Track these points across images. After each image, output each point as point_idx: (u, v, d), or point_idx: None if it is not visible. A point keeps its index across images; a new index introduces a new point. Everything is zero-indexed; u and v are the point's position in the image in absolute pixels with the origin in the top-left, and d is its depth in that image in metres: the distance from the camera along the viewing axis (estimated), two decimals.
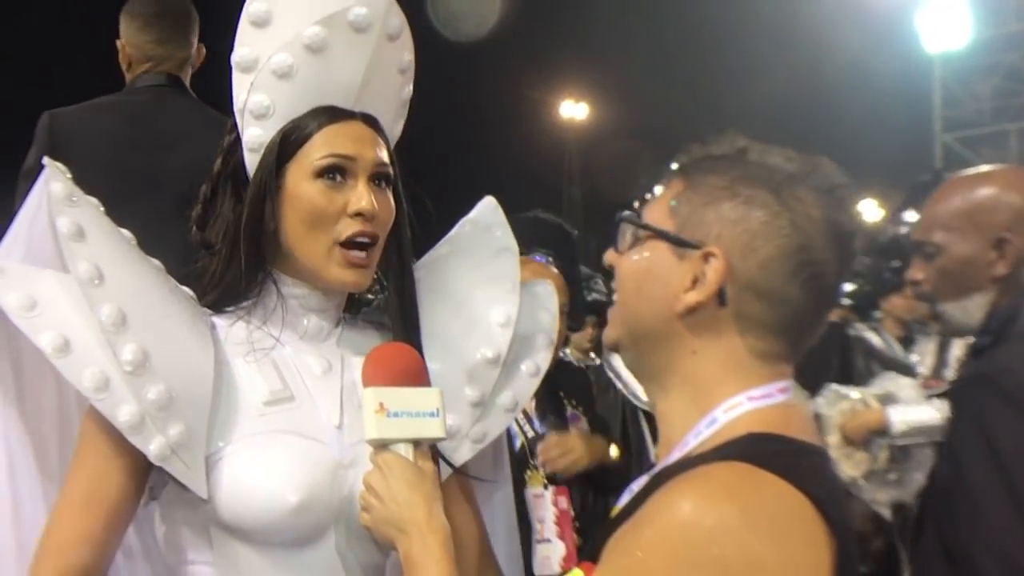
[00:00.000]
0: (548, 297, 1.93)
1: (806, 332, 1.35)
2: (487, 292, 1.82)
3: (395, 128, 1.79)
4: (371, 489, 1.53)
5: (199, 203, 1.76)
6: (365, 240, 1.64)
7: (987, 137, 17.97)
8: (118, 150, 2.93)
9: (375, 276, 1.74)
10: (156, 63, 3.13)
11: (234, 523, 1.56)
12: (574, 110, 28.85)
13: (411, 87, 1.79)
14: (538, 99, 27.86)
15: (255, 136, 1.67)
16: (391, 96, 1.76)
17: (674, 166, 1.40)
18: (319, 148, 1.64)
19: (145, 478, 1.60)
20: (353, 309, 1.83)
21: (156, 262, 1.69)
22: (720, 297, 1.30)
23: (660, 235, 1.35)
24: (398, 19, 1.70)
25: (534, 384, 1.85)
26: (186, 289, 1.71)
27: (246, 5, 1.67)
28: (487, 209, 1.94)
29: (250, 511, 1.55)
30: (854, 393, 4.17)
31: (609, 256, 1.43)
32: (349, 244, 1.63)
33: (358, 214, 1.62)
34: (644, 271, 1.36)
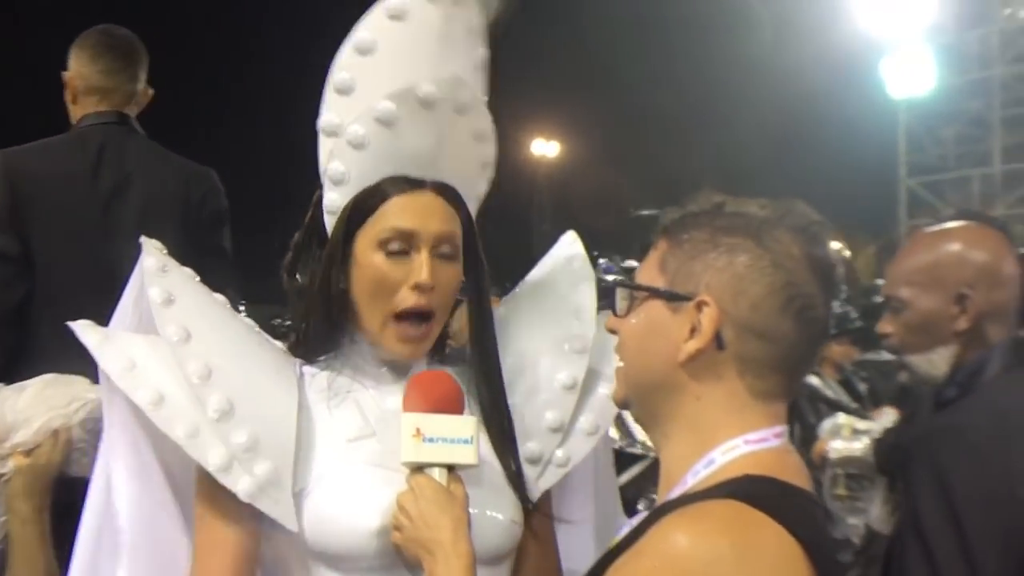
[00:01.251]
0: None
1: (802, 365, 1.43)
2: (564, 322, 1.90)
3: (477, 188, 1.83)
4: (403, 509, 1.59)
5: (290, 251, 1.84)
6: (421, 312, 1.70)
7: (951, 182, 18.28)
8: (73, 192, 2.91)
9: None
10: (102, 96, 3.08)
11: (323, 551, 1.65)
12: (545, 148, 29.03)
13: (493, 149, 1.84)
14: (509, 137, 27.98)
15: (332, 200, 1.74)
16: (467, 162, 1.80)
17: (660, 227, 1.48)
18: (384, 219, 1.69)
19: (257, 523, 1.68)
20: (440, 348, 1.89)
21: (247, 320, 1.83)
22: (718, 341, 1.36)
23: (653, 293, 1.42)
24: (468, 93, 1.75)
25: (614, 408, 1.82)
26: (277, 343, 1.83)
27: (332, 72, 1.74)
28: (566, 241, 2.02)
29: (334, 537, 1.64)
30: (841, 418, 4.32)
31: (610, 322, 1.51)
32: (404, 316, 1.70)
33: (416, 287, 1.68)
34: (644, 329, 1.43)
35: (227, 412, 1.64)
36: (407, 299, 1.69)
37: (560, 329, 1.90)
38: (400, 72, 1.71)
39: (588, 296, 1.93)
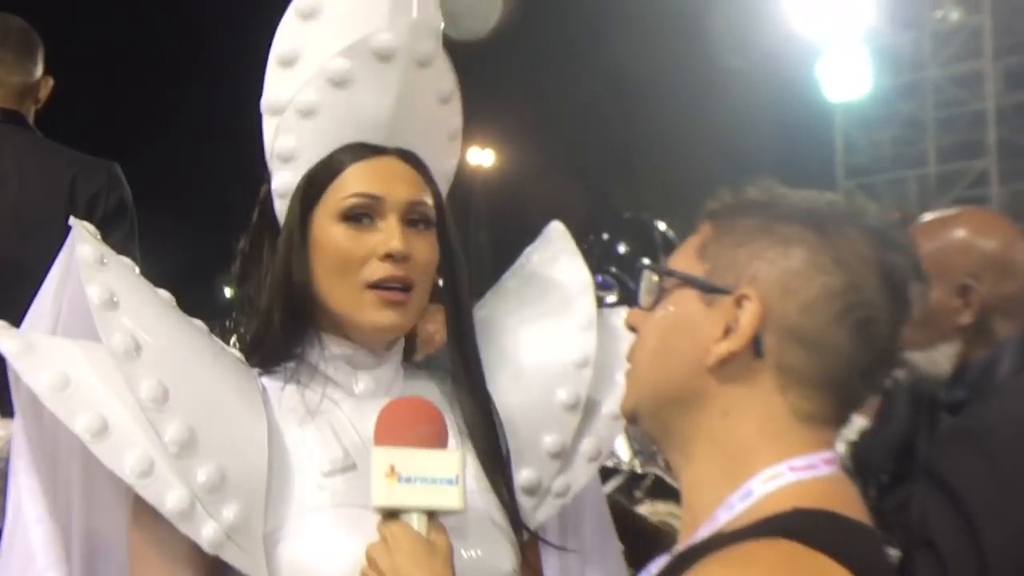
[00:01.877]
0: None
1: (857, 390, 1.17)
2: (560, 329, 1.66)
3: (445, 164, 1.64)
4: (373, 564, 1.32)
5: (237, 257, 1.62)
6: (396, 285, 1.48)
7: (887, 183, 18.49)
8: None
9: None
10: None
11: None
12: (480, 157, 28.89)
13: (460, 119, 1.64)
14: None
15: (283, 181, 1.53)
16: (433, 129, 1.61)
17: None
18: (343, 188, 1.49)
19: (211, 562, 1.42)
20: (415, 356, 1.68)
21: (198, 322, 1.56)
22: (755, 346, 1.13)
23: (687, 281, 1.19)
24: (429, 43, 1.54)
25: (618, 427, 1.70)
26: (233, 351, 1.58)
27: (273, 45, 1.55)
28: (554, 235, 1.79)
29: None
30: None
31: (631, 316, 1.27)
32: (380, 285, 1.48)
33: (388, 256, 1.46)
34: (670, 325, 1.20)
35: (188, 444, 1.37)
36: (379, 270, 1.47)
37: (556, 336, 1.66)
38: (351, 27, 1.51)
39: (587, 298, 1.69)
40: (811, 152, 18.93)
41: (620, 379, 1.55)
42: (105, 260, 1.48)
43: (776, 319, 1.12)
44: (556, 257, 1.74)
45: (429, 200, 1.53)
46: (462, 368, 1.58)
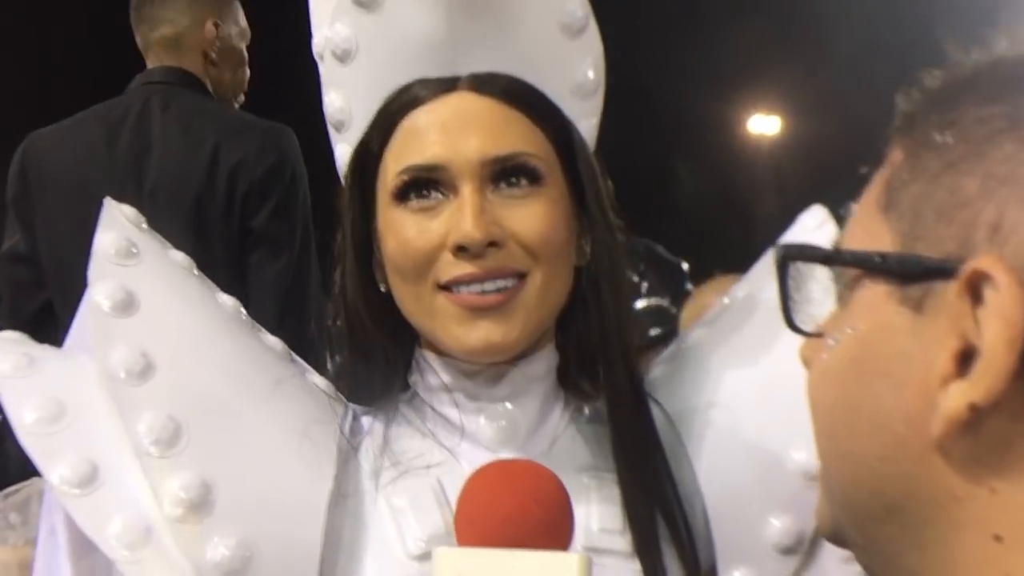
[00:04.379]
0: None
1: None
2: (793, 362, 1.05)
3: (570, 73, 1.13)
4: None
5: (335, 263, 1.21)
6: (478, 286, 1.04)
7: None
8: (86, 170, 2.41)
9: None
10: (145, 47, 2.57)
11: None
12: (765, 125, 28.41)
13: (601, 72, 1.16)
14: None
15: (342, 157, 1.15)
16: (531, 23, 1.10)
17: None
18: (396, 157, 1.08)
19: None
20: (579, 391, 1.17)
21: (271, 339, 1.18)
22: None
23: (865, 265, 0.65)
24: None
25: None
26: (319, 380, 1.17)
27: None
28: (810, 224, 1.25)
29: None
30: None
31: (804, 351, 0.74)
32: (454, 284, 1.06)
33: (458, 248, 1.04)
34: (851, 360, 0.66)
35: (199, 505, 1.00)
36: (450, 267, 1.04)
37: (797, 376, 0.99)
38: None
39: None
40: None
41: None
42: (136, 251, 1.12)
43: None
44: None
45: (535, 147, 1.07)
46: (615, 424, 1.09)
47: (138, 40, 2.60)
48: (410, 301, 1.07)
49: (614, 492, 1.06)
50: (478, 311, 1.03)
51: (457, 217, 1.02)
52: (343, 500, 1.05)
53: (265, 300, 2.36)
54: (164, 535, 0.99)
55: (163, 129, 2.44)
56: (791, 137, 13.59)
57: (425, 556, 1.01)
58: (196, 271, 1.18)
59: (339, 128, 1.13)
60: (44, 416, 1.03)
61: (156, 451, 1.00)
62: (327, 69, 1.12)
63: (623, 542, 1.04)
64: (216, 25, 2.59)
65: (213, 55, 2.59)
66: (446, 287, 1.04)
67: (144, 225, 1.18)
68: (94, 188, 2.21)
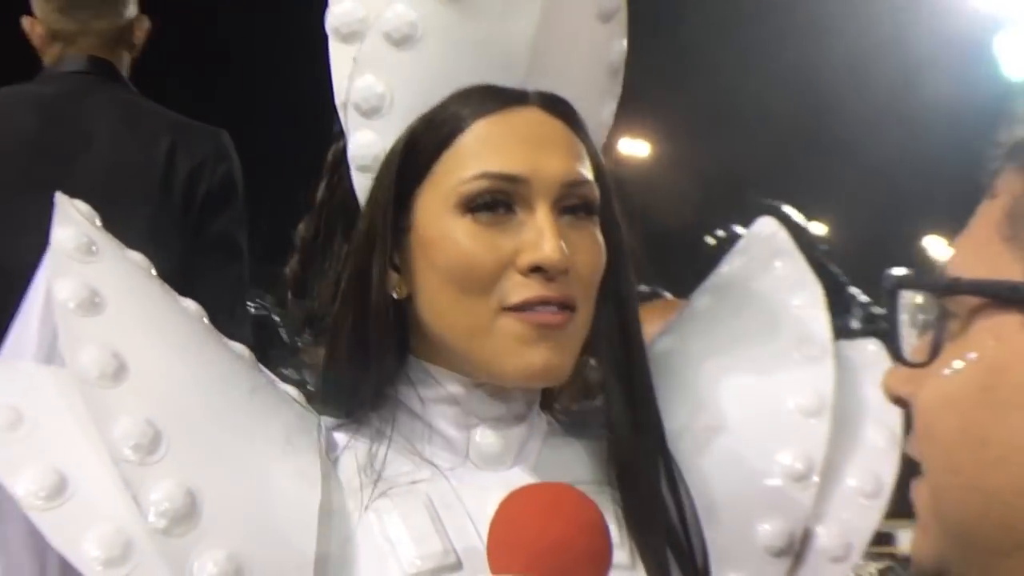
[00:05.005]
0: (873, 365, 1.20)
1: None
2: (777, 361, 1.18)
3: (603, 112, 1.16)
4: None
5: (296, 253, 1.17)
6: (552, 309, 1.02)
7: None
8: (21, 156, 2.32)
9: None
10: (67, 42, 2.46)
11: None
12: (633, 148, 28.70)
13: (624, 43, 1.16)
14: None
15: (366, 145, 1.08)
16: (590, 59, 1.13)
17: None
18: (465, 161, 1.04)
19: None
20: (558, 404, 1.20)
21: (238, 347, 1.12)
22: None
23: (992, 293, 0.65)
24: None
25: (875, 512, 1.16)
26: (288, 389, 1.12)
27: None
28: (763, 233, 1.30)
29: None
30: None
31: (893, 380, 0.73)
32: (525, 306, 1.03)
33: (533, 269, 1.01)
34: (975, 392, 0.66)
35: (184, 516, 0.94)
36: (521, 288, 1.01)
37: (773, 371, 1.17)
38: None
39: (818, 316, 1.19)
40: (986, 134, 18.21)
41: (873, 438, 1.12)
42: (95, 249, 1.07)
43: None
44: (767, 263, 1.25)
45: (590, 174, 1.06)
46: (629, 425, 1.09)
47: (59, 24, 2.48)
48: (459, 316, 1.02)
49: (609, 504, 1.05)
50: (543, 329, 1.01)
51: (532, 236, 1.00)
52: (327, 517, 1.00)
53: (220, 306, 2.24)
54: (146, 550, 0.93)
55: (108, 124, 2.38)
56: (659, 161, 14.15)
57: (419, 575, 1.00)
58: (154, 272, 1.13)
59: (369, 114, 1.06)
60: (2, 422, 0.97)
61: (136, 457, 0.94)
62: (371, 49, 1.05)
63: (623, 554, 1.03)
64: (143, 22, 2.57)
65: (135, 53, 2.57)
66: (514, 308, 1.01)
67: (98, 222, 1.13)
68: (20, 178, 2.23)
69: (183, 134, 2.43)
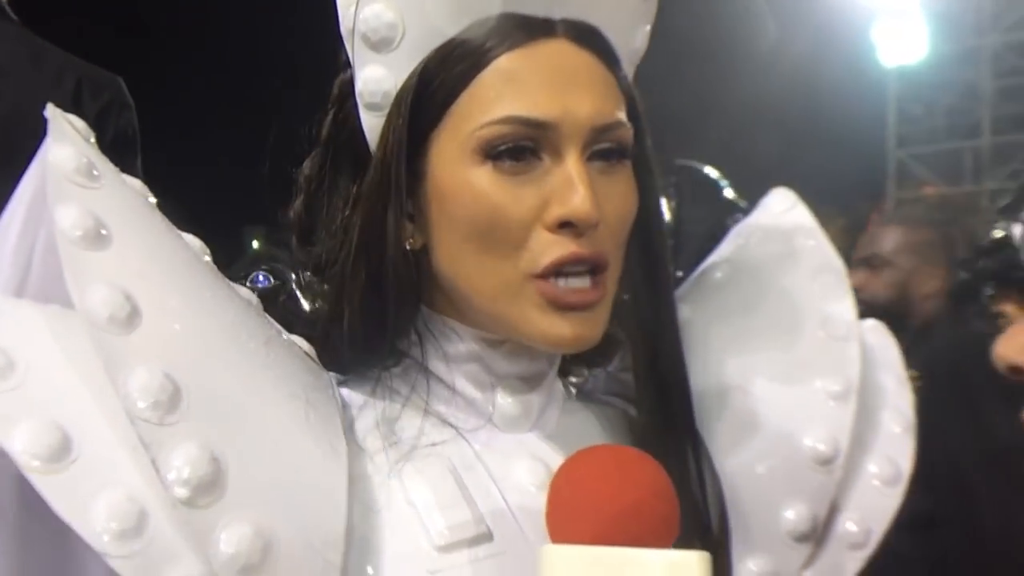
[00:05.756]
0: (888, 349, 1.18)
1: None
2: (801, 341, 1.11)
3: (635, 36, 1.03)
4: None
5: (299, 194, 1.06)
6: (582, 268, 0.94)
7: (941, 154, 17.44)
8: None
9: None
10: None
11: None
12: None
13: None
14: None
15: (375, 81, 0.97)
16: None
17: None
18: (488, 102, 0.93)
19: None
20: (576, 369, 1.13)
21: (245, 292, 1.01)
22: None
23: None
24: None
25: (894, 499, 1.11)
26: (298, 341, 1.01)
27: None
28: (780, 206, 1.22)
29: None
30: None
31: (1008, 351, 0.73)
32: (555, 272, 0.94)
33: (563, 224, 0.92)
34: None
35: (208, 485, 0.81)
36: (553, 247, 0.92)
37: (795, 351, 1.11)
38: None
39: (843, 294, 1.14)
40: (862, 120, 17.69)
41: (890, 424, 1.08)
42: (96, 173, 0.94)
43: None
44: (788, 239, 1.18)
45: (623, 114, 0.96)
46: (654, 396, 1.01)
47: None
48: (484, 277, 0.95)
49: None
50: (576, 300, 0.94)
51: (561, 187, 0.91)
52: (352, 484, 0.91)
53: None
54: (162, 520, 0.82)
55: (10, 56, 2.27)
56: None
57: (450, 547, 0.93)
58: (152, 199, 1.02)
59: (378, 47, 0.95)
60: None
61: (155, 416, 0.81)
62: None
63: None
64: None
65: None
66: (542, 275, 0.93)
67: (93, 140, 1.02)
68: None
69: (87, 76, 2.30)
